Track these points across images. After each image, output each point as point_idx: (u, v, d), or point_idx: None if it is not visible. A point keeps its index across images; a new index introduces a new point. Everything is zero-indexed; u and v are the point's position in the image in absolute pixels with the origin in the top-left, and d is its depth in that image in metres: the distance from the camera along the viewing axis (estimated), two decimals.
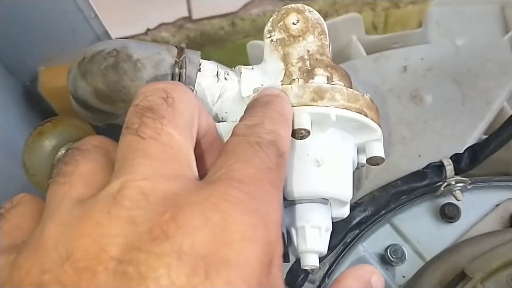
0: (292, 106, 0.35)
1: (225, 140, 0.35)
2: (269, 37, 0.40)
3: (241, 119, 0.32)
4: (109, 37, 0.65)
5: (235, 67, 0.40)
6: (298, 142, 0.35)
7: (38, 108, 0.68)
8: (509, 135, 0.47)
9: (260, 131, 0.29)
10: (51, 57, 0.70)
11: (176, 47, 0.38)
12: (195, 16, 1.61)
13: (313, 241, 0.35)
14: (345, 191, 0.37)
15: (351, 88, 0.38)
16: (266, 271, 0.22)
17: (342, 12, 1.42)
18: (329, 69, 0.38)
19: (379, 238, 0.48)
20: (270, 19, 0.40)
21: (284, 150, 0.29)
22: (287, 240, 0.35)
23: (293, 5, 0.41)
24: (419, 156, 0.54)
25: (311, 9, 0.41)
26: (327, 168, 0.36)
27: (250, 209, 0.23)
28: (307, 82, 0.37)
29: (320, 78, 0.38)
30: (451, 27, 0.62)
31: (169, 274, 0.20)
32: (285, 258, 0.36)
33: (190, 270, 0.20)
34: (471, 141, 0.54)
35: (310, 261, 0.35)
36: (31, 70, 0.68)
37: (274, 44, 0.39)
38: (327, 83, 0.37)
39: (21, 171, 0.54)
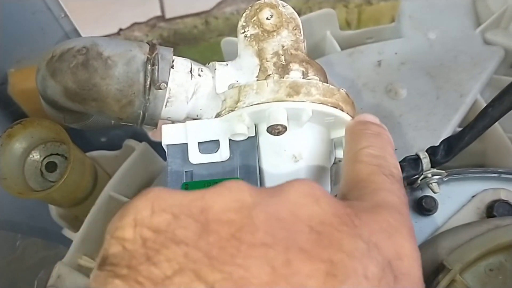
0: (268, 102, 0.34)
1: (196, 139, 0.35)
2: (243, 33, 0.39)
3: (355, 143, 0.33)
4: (79, 36, 0.64)
5: (209, 63, 0.39)
6: (275, 138, 0.35)
7: (8, 111, 0.66)
8: (483, 127, 0.47)
9: (388, 164, 0.31)
10: (21, 58, 0.68)
11: (148, 43, 0.37)
12: (168, 15, 1.60)
13: None
14: (323, 187, 0.37)
15: (327, 83, 0.37)
16: None
17: (315, 9, 1.43)
18: (304, 64, 0.38)
19: None
20: (244, 14, 0.40)
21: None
22: None
23: (266, 0, 0.40)
24: (395, 149, 0.53)
25: (285, 3, 0.40)
26: (305, 163, 0.35)
27: (411, 234, 0.25)
28: (283, 77, 0.37)
29: (295, 73, 0.37)
30: (423, 21, 0.62)
31: (362, 261, 0.21)
32: None
33: (380, 269, 0.22)
34: (446, 133, 0.54)
35: None
36: (0, 72, 0.66)
37: (248, 39, 0.39)
38: (303, 78, 0.37)
39: None
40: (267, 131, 0.34)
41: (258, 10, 0.40)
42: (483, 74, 0.57)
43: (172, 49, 0.38)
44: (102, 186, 0.59)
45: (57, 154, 0.55)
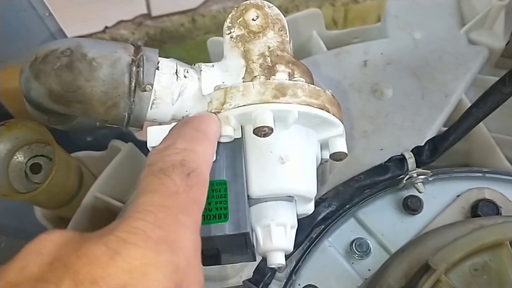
0: (254, 104, 0.34)
1: None
2: (228, 34, 0.39)
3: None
4: (65, 36, 0.63)
5: (194, 64, 0.39)
6: (262, 140, 0.35)
7: None
8: (468, 127, 0.47)
9: (167, 153, 0.29)
10: (5, 58, 0.67)
11: (133, 45, 0.37)
12: (154, 13, 1.59)
13: (279, 239, 0.35)
14: (310, 188, 0.37)
15: (313, 84, 0.37)
16: None
17: (302, 7, 1.43)
18: (290, 65, 0.38)
19: (344, 233, 0.49)
20: (229, 15, 0.40)
21: (196, 166, 0.29)
22: (253, 239, 0.35)
23: (252, 1, 0.40)
24: (381, 149, 0.54)
25: (271, 4, 0.40)
26: (291, 165, 0.35)
27: (152, 236, 0.24)
28: (269, 79, 0.37)
29: (281, 75, 0.37)
30: (409, 21, 0.62)
31: None
32: (252, 256, 0.36)
33: None
34: (431, 133, 0.54)
35: (277, 259, 0.35)
36: None
37: (234, 40, 0.39)
38: (289, 80, 0.37)
39: None
40: (254, 133, 0.34)
41: (244, 11, 0.39)
42: (467, 74, 0.58)
43: (157, 50, 0.37)
44: (87, 187, 0.58)
45: (42, 156, 0.54)
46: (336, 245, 0.48)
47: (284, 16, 0.41)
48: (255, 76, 0.36)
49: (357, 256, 0.47)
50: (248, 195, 0.35)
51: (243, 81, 0.37)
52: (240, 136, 0.35)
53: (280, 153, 0.35)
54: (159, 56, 0.38)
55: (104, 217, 0.58)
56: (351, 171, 0.52)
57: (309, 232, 0.47)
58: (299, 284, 0.46)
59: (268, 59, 0.38)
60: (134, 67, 0.35)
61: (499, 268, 0.37)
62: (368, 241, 0.47)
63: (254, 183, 0.35)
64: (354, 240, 0.47)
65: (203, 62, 0.39)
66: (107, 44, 0.36)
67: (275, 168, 0.35)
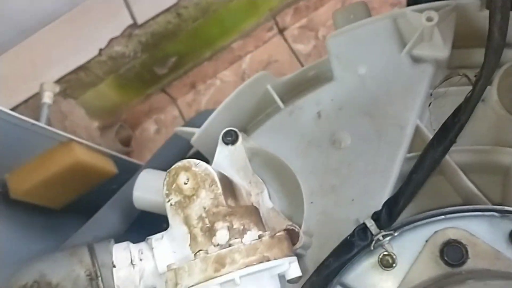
0: (200, 283, 0.39)
1: None
2: (168, 201, 0.43)
3: None
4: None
5: (147, 240, 0.44)
6: None
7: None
8: (412, 192, 0.50)
9: None
10: (11, 165, 0.75)
11: (87, 246, 0.42)
12: (140, 20, 1.62)
13: None
14: None
15: (259, 214, 0.41)
16: None
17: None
18: (227, 217, 0.42)
19: None
20: (165, 182, 0.44)
21: None
22: None
23: (179, 164, 0.44)
24: (352, 200, 0.57)
25: (197, 161, 0.44)
26: None
27: None
28: (211, 241, 0.41)
29: (221, 233, 0.42)
30: (350, 58, 0.62)
31: None
32: None
33: None
34: (394, 172, 0.56)
35: None
36: None
37: (174, 207, 0.43)
38: (229, 234, 0.41)
39: None
40: None
41: (175, 176, 0.43)
42: (416, 100, 0.58)
43: (111, 243, 0.42)
44: None
45: None
46: None
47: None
48: (198, 251, 0.41)
49: None
50: None
51: (190, 248, 0.42)
52: None
53: None
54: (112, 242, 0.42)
55: None
56: (327, 231, 0.56)
57: None
58: None
59: (206, 220, 0.42)
60: (93, 281, 0.40)
61: None
62: None
63: None
64: None
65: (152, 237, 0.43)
66: (64, 263, 0.41)
67: None
